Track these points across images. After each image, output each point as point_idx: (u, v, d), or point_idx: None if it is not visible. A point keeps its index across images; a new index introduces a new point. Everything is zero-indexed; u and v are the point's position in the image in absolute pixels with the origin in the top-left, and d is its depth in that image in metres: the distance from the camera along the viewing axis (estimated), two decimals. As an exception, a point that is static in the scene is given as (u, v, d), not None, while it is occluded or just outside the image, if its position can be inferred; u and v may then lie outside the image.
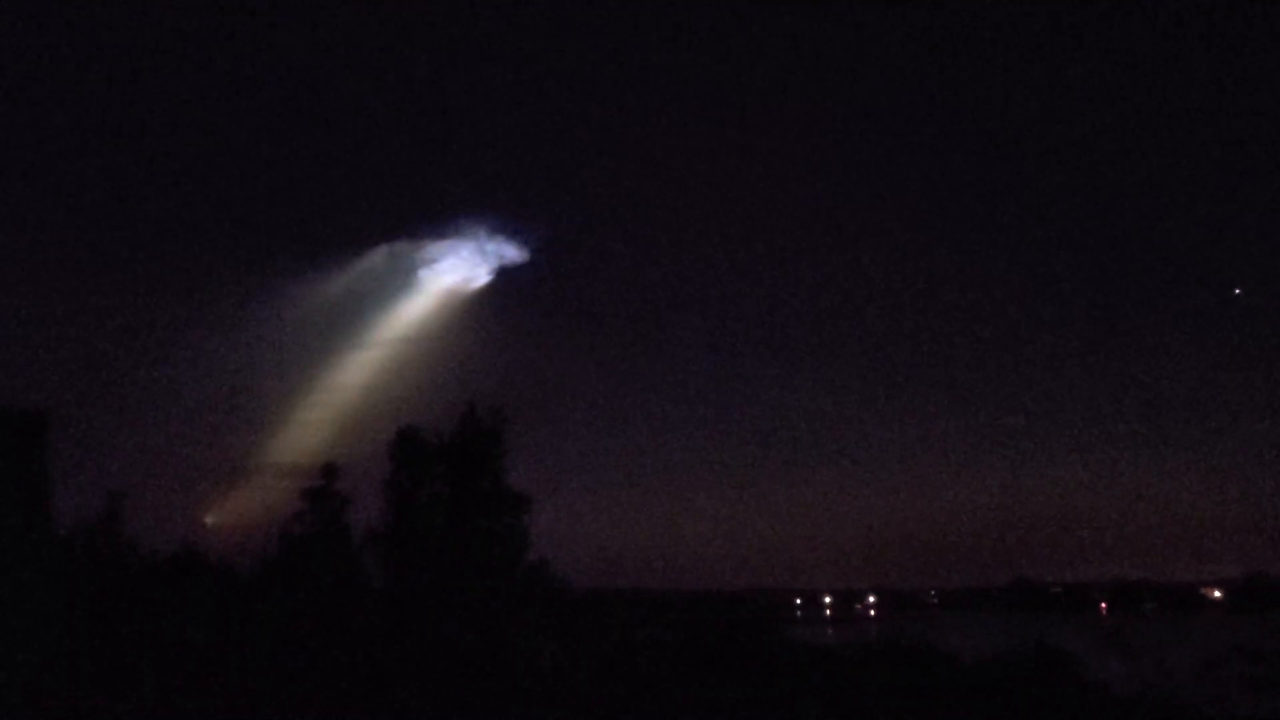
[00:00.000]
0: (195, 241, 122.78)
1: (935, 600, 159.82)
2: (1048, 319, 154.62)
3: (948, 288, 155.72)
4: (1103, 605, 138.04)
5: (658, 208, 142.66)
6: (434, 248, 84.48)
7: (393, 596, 29.07)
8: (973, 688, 22.27)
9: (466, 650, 25.71)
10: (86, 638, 20.08)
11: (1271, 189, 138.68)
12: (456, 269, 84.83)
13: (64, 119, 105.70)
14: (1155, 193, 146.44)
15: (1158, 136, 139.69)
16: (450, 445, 30.04)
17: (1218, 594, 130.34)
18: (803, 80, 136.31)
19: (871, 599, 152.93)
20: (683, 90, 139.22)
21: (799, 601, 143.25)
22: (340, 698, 21.26)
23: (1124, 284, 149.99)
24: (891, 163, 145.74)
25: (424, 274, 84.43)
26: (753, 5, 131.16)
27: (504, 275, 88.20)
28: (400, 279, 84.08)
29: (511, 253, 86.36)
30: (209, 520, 42.71)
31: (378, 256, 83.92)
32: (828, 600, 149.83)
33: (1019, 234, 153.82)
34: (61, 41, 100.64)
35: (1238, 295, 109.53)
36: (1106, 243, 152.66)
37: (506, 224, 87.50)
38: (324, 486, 29.63)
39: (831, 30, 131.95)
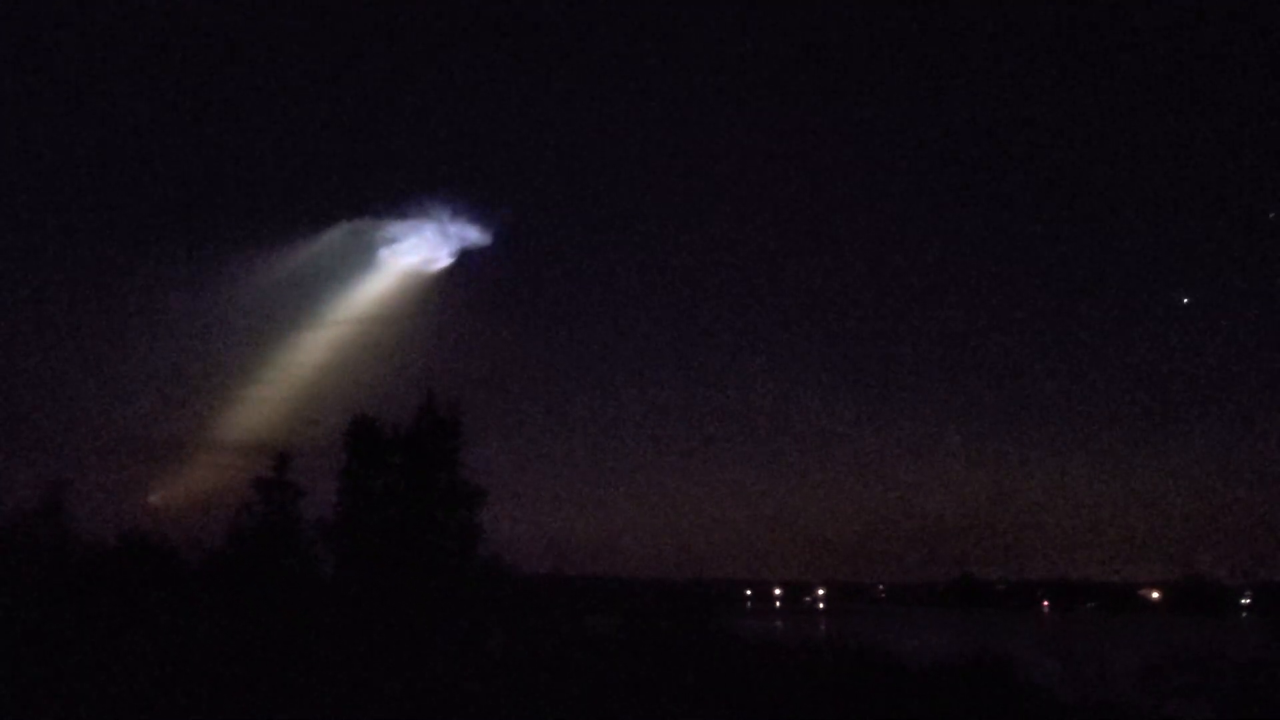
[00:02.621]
0: (149, 215, 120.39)
1: (883, 594, 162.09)
2: (1000, 325, 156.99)
3: (902, 291, 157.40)
4: (1045, 604, 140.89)
5: (623, 194, 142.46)
6: (396, 227, 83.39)
7: (344, 587, 28.76)
8: (919, 692, 22.56)
9: (416, 642, 25.54)
10: (28, 631, 19.65)
11: (1212, 198, 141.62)
12: (418, 249, 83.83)
13: (15, 97, 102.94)
14: (1109, 203, 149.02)
15: (1122, 147, 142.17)
16: (406, 436, 29.72)
17: (1156, 595, 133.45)
18: (773, 68, 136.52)
19: (820, 592, 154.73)
20: (650, 76, 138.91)
21: (749, 593, 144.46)
22: (289, 689, 21.03)
23: (1074, 292, 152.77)
24: (860, 156, 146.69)
25: (384, 253, 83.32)
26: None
27: (466, 258, 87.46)
28: (360, 257, 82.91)
29: (474, 235, 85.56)
30: (154, 499, 41.94)
31: (338, 233, 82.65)
32: (778, 592, 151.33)
33: (978, 246, 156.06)
34: (23, 21, 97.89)
35: (1185, 304, 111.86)
36: (1057, 256, 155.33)
37: (470, 206, 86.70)
38: (275, 477, 29.18)
39: (800, 18, 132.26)
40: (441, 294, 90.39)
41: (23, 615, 20.44)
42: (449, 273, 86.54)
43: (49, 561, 24.60)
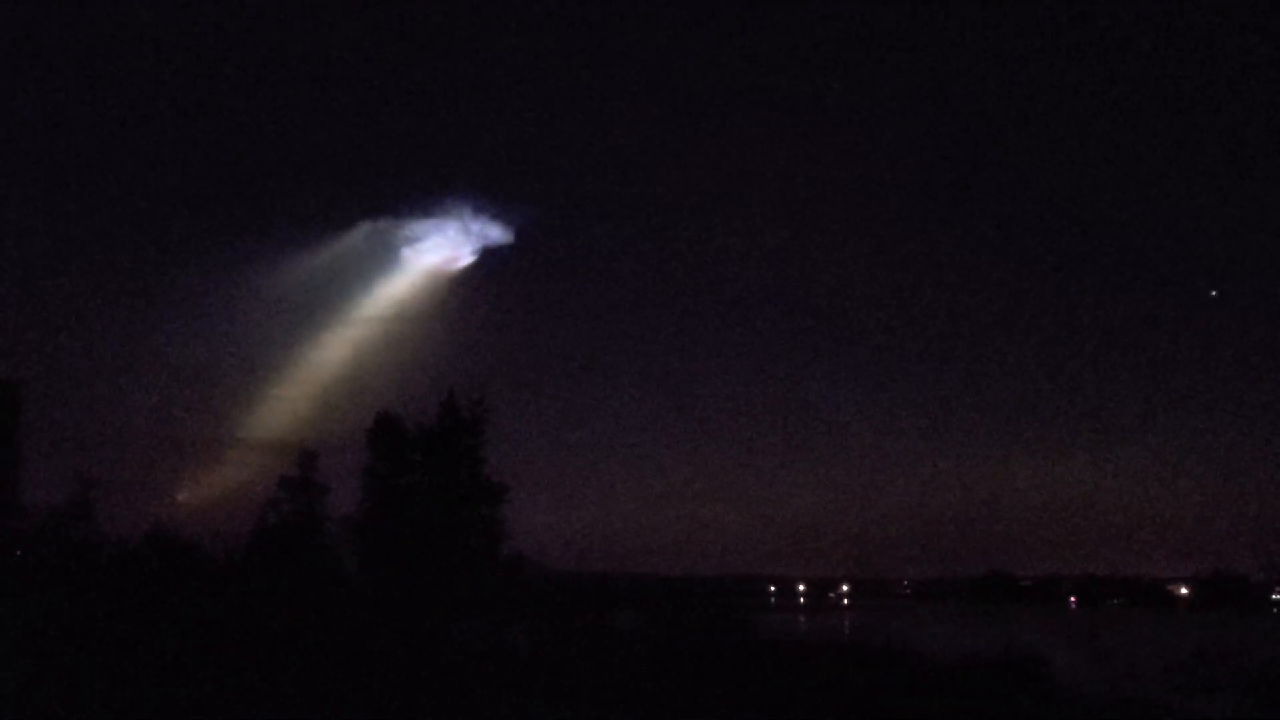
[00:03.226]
0: (175, 215, 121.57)
1: (908, 590, 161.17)
2: (1024, 320, 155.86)
3: (928, 288, 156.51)
4: (1071, 599, 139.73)
5: (643, 191, 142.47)
6: (417, 226, 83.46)
7: (368, 584, 28.94)
8: (945, 688, 22.43)
9: (441, 638, 25.65)
10: (56, 628, 19.90)
11: (1244, 195, 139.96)
12: (440, 248, 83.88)
13: (35, 99, 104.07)
14: (1130, 197, 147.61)
15: (1137, 140, 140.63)
16: (429, 434, 29.84)
17: (1184, 590, 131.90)
18: (792, 69, 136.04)
19: (845, 588, 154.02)
20: (670, 75, 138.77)
21: (773, 589, 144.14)
22: (314, 686, 21.16)
23: (1100, 288, 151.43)
24: (877, 160, 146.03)
25: (407, 253, 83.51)
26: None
27: (488, 256, 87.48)
28: (383, 257, 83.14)
29: (496, 233, 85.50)
30: (181, 497, 42.31)
31: (360, 234, 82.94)
32: (802, 588, 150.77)
33: (999, 237, 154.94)
34: (38, 26, 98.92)
35: (1213, 297, 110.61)
36: (1082, 248, 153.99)
37: (491, 204, 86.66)
38: (301, 476, 29.39)
39: (822, 19, 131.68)
40: (464, 292, 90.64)
41: (53, 612, 20.71)
42: (471, 271, 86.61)
43: (78, 559, 24.89)
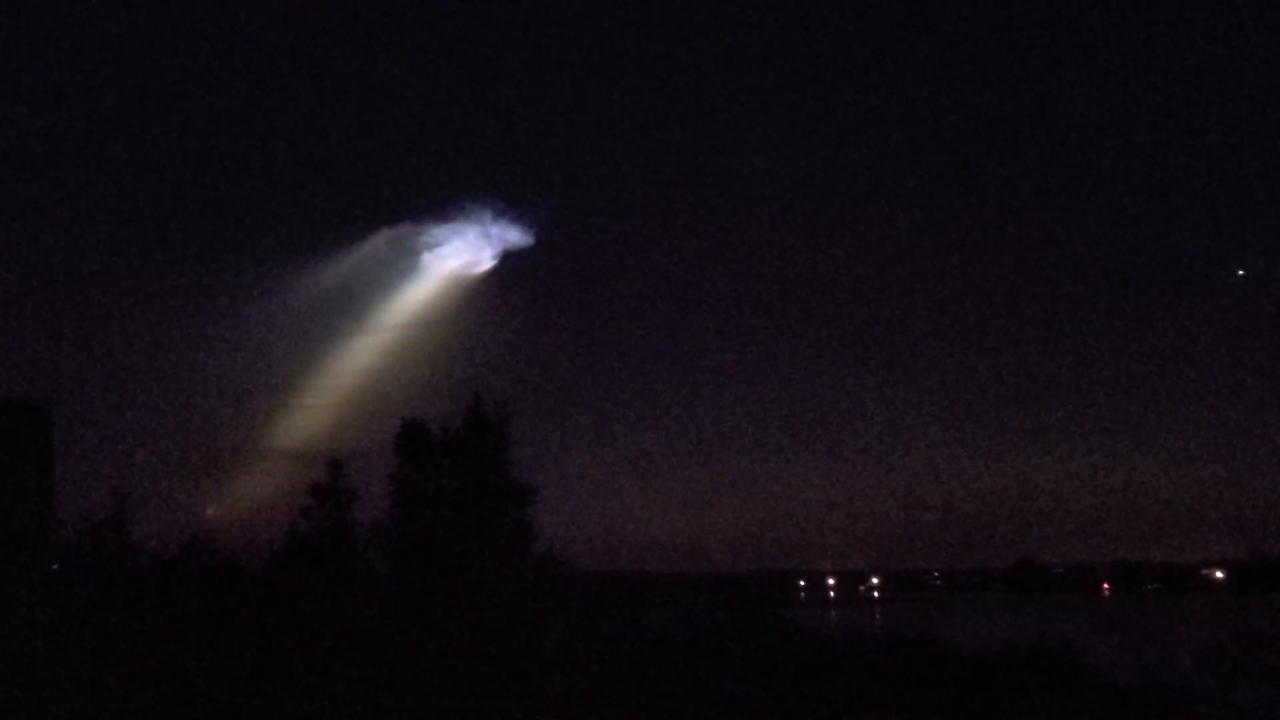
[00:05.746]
0: (197, 228, 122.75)
1: (939, 582, 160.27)
2: (1048, 305, 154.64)
3: (950, 275, 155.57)
4: (1105, 586, 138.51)
5: (663, 191, 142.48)
6: (437, 231, 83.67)
7: (399, 590, 29.14)
8: (978, 680, 22.35)
9: (473, 642, 25.80)
10: (93, 637, 20.20)
11: (1270, 175, 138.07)
12: (460, 253, 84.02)
13: (61, 111, 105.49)
14: (1152, 180, 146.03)
15: (1153, 126, 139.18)
16: (456, 438, 30.02)
17: (1220, 575, 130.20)
18: (798, 71, 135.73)
19: (875, 581, 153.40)
20: (685, 78, 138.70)
21: (803, 583, 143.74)
22: (348, 692, 21.36)
23: (1124, 270, 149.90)
24: (892, 150, 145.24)
25: (427, 258, 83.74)
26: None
27: (509, 259, 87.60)
28: (403, 263, 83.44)
29: (516, 236, 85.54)
30: (211, 511, 42.71)
31: (379, 241, 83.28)
32: (831, 582, 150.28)
33: (1019, 221, 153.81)
34: (63, 37, 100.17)
35: (1240, 277, 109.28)
36: (1105, 231, 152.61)
37: (511, 207, 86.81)
38: (330, 483, 29.60)
39: (825, 21, 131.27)
40: (485, 296, 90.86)
41: (91, 623, 21.02)
42: (493, 274, 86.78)
43: (115, 571, 25.22)
